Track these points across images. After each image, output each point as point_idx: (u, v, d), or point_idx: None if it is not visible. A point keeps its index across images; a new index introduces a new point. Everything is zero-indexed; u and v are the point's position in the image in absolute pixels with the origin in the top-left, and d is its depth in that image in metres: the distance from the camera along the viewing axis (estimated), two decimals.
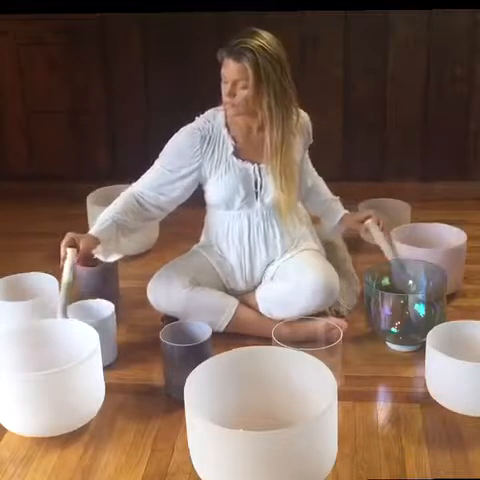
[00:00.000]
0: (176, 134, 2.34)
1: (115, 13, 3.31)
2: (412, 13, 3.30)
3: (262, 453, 1.53)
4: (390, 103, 3.52)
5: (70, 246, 2.18)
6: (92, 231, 2.25)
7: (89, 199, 3.07)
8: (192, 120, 2.37)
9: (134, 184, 2.36)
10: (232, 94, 2.20)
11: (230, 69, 2.18)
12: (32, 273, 2.44)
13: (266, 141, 2.26)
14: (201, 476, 1.66)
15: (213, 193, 2.36)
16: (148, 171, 2.36)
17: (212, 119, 2.33)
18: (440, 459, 1.79)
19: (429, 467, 1.77)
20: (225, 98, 2.23)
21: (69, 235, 2.20)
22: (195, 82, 3.48)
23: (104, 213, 2.30)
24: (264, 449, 1.53)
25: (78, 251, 2.19)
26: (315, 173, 2.61)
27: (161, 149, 2.37)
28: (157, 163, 2.35)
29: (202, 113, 2.37)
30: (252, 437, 1.53)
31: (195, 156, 2.31)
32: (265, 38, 2.17)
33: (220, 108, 2.33)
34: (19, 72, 3.59)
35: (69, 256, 2.16)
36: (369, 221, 2.46)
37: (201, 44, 3.44)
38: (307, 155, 2.54)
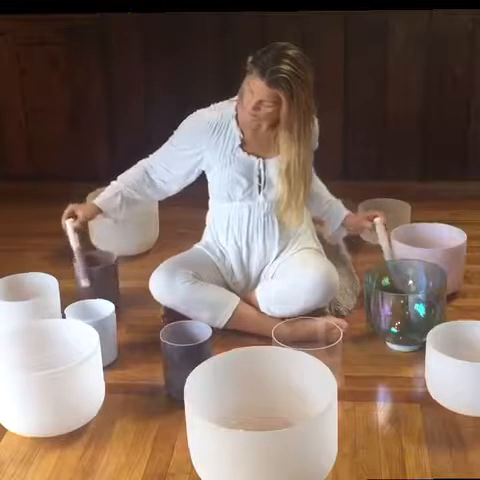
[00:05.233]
0: (189, 116, 2.39)
1: (115, 13, 3.31)
2: (412, 13, 3.30)
3: (262, 453, 1.53)
4: (390, 103, 3.52)
5: (69, 217, 2.38)
6: (97, 201, 2.42)
7: (89, 199, 3.05)
8: None
9: (147, 158, 2.47)
10: (257, 108, 2.20)
11: (260, 89, 2.16)
12: (32, 273, 2.44)
13: (288, 161, 2.27)
14: (201, 476, 1.66)
15: (216, 182, 2.39)
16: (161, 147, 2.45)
17: (223, 109, 2.35)
18: (440, 459, 1.79)
19: (429, 467, 1.77)
20: (250, 110, 2.21)
21: (69, 207, 2.40)
22: (195, 82, 3.49)
23: (114, 184, 2.44)
24: (264, 449, 1.53)
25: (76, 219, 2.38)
26: (315, 177, 2.58)
27: None
28: (169, 139, 2.42)
29: None
30: (252, 437, 1.53)
31: (200, 141, 2.34)
32: (296, 61, 2.14)
33: (234, 99, 2.33)
34: (19, 72, 3.59)
35: (68, 228, 2.37)
36: (377, 220, 2.44)
37: (201, 44, 3.45)
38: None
